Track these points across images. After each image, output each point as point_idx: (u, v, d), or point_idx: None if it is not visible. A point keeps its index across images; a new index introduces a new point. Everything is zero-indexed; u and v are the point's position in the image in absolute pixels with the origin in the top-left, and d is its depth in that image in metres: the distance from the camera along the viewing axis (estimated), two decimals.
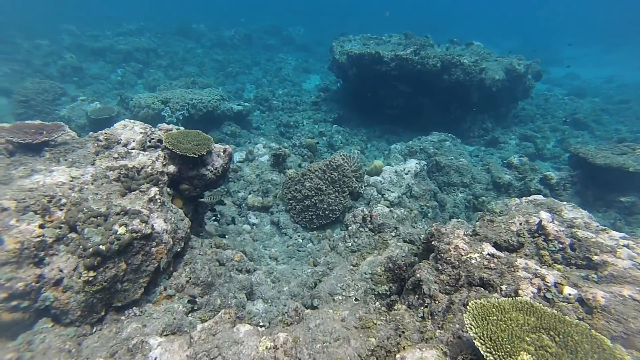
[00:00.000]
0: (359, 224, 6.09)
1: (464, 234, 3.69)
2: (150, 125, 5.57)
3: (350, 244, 5.86)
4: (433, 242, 3.88)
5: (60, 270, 3.45)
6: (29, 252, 3.37)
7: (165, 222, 4.21)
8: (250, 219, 7.60)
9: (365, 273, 4.73)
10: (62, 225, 3.67)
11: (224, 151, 5.53)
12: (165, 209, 4.41)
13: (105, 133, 5.02)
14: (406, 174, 7.92)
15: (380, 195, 7.65)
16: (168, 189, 4.87)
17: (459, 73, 11.68)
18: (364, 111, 14.46)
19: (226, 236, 6.34)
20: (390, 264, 4.71)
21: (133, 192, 4.35)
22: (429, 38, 13.25)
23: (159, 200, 4.32)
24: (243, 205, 7.97)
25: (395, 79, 12.42)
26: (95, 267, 3.43)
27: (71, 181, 4.20)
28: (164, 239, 4.07)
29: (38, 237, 3.44)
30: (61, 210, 3.90)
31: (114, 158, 4.75)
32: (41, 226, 3.54)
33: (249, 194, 8.24)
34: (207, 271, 4.40)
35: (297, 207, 7.46)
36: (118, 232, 3.62)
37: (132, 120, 5.56)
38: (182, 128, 9.57)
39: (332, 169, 7.30)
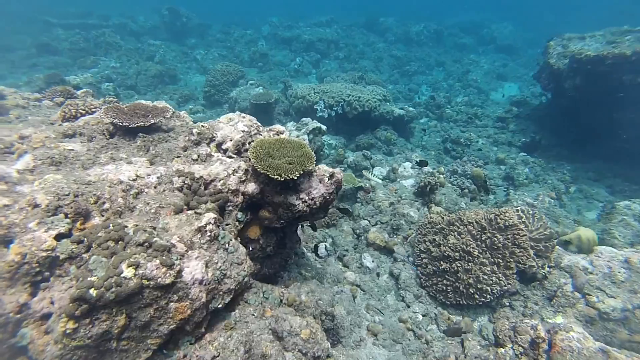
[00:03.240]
0: (521, 349, 3.42)
1: None
2: (259, 124, 4.48)
3: None
4: None
5: (52, 302, 2.60)
6: (29, 269, 2.62)
7: (206, 268, 2.92)
8: (365, 260, 5.79)
9: None
10: (85, 240, 2.85)
11: (331, 177, 3.87)
12: (217, 245, 3.13)
13: (201, 126, 4.16)
14: None
15: (579, 295, 4.46)
16: (239, 214, 3.61)
17: None
18: (575, 139, 10.09)
19: (316, 281, 4.76)
20: None
21: (190, 212, 3.26)
22: None
23: (209, 233, 3.08)
24: (362, 237, 6.23)
25: None
26: (78, 318, 2.42)
27: (133, 181, 3.42)
28: (192, 293, 2.79)
29: (47, 250, 2.68)
30: (103, 217, 3.14)
31: (192, 160, 3.81)
32: (59, 236, 2.79)
33: (375, 224, 6.41)
34: (240, 354, 2.92)
35: (429, 266, 5.16)
36: (123, 274, 2.51)
37: (243, 115, 4.58)
38: (322, 126, 8.49)
39: (498, 229, 4.62)
